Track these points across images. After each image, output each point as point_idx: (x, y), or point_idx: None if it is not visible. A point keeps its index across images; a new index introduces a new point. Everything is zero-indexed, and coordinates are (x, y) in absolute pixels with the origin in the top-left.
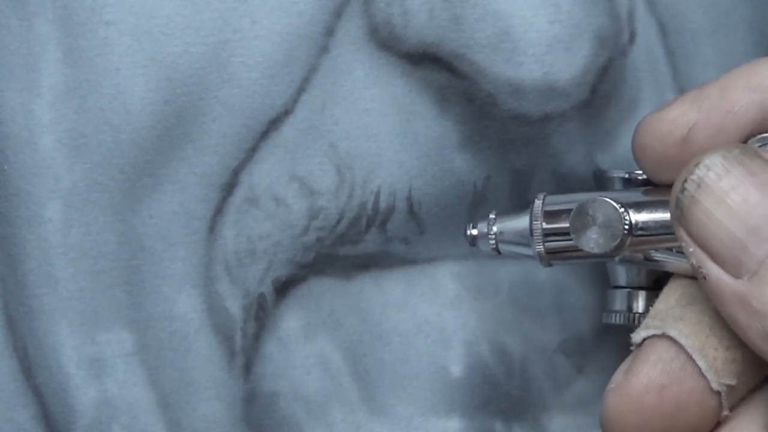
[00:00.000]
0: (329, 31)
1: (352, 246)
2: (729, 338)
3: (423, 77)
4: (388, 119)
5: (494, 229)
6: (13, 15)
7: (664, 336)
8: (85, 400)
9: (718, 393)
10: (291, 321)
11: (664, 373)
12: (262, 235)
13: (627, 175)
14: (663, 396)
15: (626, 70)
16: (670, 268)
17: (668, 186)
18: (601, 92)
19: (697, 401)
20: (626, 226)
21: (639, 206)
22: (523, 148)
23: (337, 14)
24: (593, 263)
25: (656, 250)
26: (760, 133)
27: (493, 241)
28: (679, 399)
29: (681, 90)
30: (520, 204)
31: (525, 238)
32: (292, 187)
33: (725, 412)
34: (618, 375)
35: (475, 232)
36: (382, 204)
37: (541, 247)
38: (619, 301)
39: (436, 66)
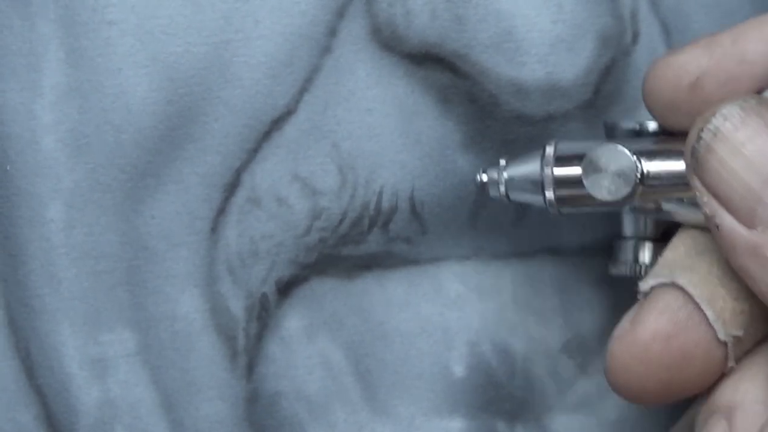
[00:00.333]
0: (332, 31)
1: (355, 246)
2: (738, 289)
3: (425, 77)
4: (390, 119)
5: (504, 175)
6: (15, 15)
7: (673, 285)
8: (87, 401)
9: (725, 344)
10: (293, 321)
11: (671, 322)
12: (265, 236)
13: (638, 126)
14: (669, 345)
15: (629, 70)
16: (680, 218)
17: (681, 136)
18: (604, 92)
19: (703, 351)
20: (638, 174)
21: (651, 155)
22: (526, 148)
23: (340, 14)
24: (603, 211)
25: (667, 200)
26: None
27: (503, 188)
28: (686, 348)
29: None
30: (531, 150)
31: (536, 185)
32: (295, 187)
33: (731, 363)
34: (624, 323)
35: (485, 178)
36: (385, 204)
37: (552, 194)
38: (625, 251)
39: (439, 66)
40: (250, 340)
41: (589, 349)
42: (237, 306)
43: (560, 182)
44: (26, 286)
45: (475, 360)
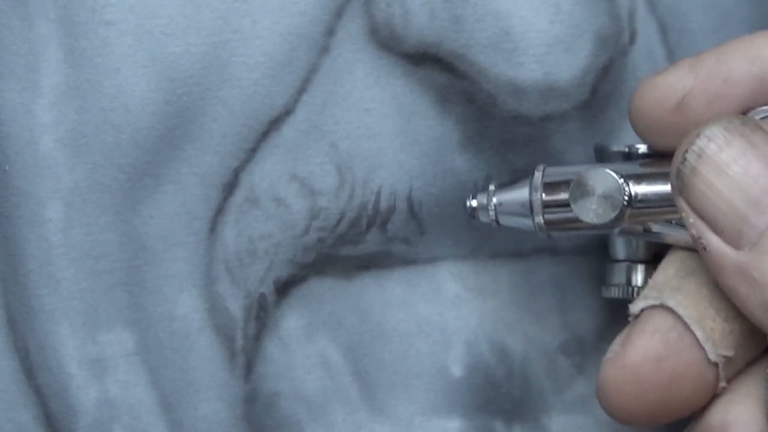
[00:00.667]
0: (330, 31)
1: (353, 246)
2: (727, 310)
3: (424, 77)
4: (388, 119)
5: (494, 200)
6: (14, 15)
7: (662, 306)
8: (86, 401)
9: (716, 364)
10: (292, 321)
11: (662, 343)
12: (263, 235)
13: (627, 149)
14: (660, 367)
15: (627, 70)
16: (669, 240)
17: (668, 158)
18: (602, 92)
19: (694, 372)
20: (626, 198)
21: (639, 178)
22: (524, 148)
23: (338, 14)
24: (592, 235)
25: (655, 222)
26: (757, 106)
27: (493, 213)
28: (677, 370)
29: None
30: (520, 176)
31: (524, 210)
32: (293, 187)
33: (722, 384)
34: (615, 345)
35: (474, 203)
36: (383, 204)
37: (541, 218)
38: (618, 274)
39: (437, 66)
40: (248, 340)
41: (587, 348)
42: (235, 306)
43: (549, 206)
44: (25, 286)
45: (473, 360)
